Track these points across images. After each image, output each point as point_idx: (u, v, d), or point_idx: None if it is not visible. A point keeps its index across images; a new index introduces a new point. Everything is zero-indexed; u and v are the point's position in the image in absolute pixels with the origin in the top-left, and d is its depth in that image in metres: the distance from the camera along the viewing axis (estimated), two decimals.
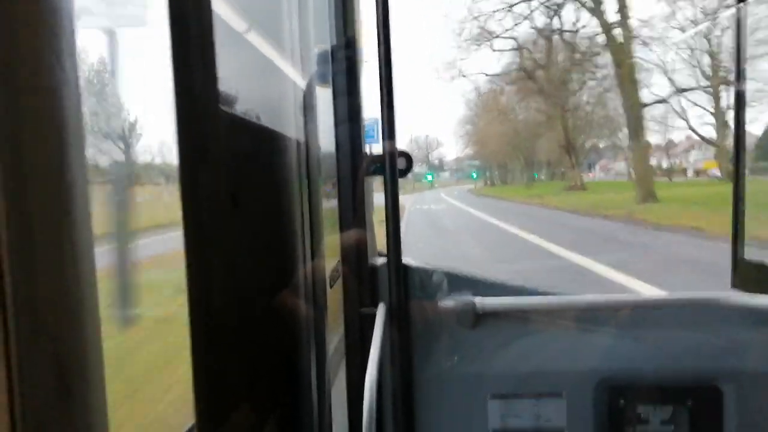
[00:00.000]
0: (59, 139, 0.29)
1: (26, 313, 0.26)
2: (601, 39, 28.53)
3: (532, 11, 30.83)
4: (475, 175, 65.17)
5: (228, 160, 0.71)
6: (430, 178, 67.66)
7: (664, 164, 47.15)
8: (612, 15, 26.67)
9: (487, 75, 45.48)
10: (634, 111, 25.09)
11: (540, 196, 31.85)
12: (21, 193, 0.26)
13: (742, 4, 1.60)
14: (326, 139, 1.42)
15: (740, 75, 1.62)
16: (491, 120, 51.33)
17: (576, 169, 38.63)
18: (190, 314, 0.55)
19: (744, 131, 1.61)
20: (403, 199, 1.49)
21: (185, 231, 0.54)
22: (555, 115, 37.74)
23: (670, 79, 30.20)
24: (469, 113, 62.88)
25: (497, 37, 31.98)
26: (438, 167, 77.22)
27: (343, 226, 1.48)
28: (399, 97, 1.42)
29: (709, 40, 27.71)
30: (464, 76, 40.77)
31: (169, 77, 0.53)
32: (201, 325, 0.57)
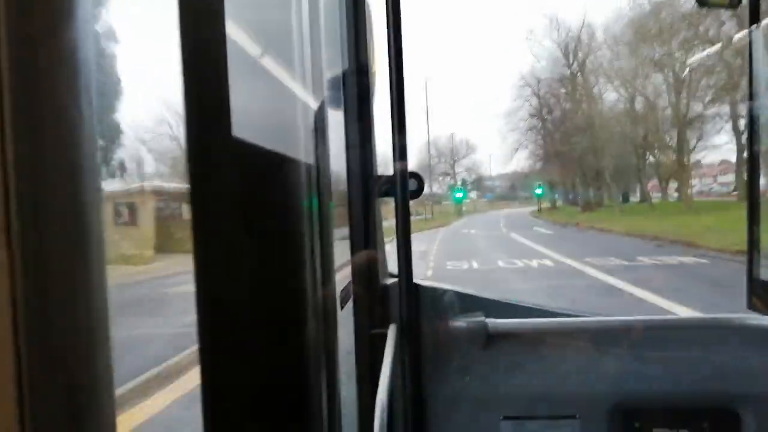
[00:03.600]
0: (73, 130, 0.29)
1: (35, 306, 0.27)
2: None
3: None
4: (540, 192, 45.85)
5: (239, 183, 0.73)
6: (459, 197, 46.81)
7: None
8: None
9: None
10: None
11: None
12: (31, 187, 0.27)
13: (755, 26, 1.61)
14: (338, 161, 1.44)
15: (753, 95, 1.61)
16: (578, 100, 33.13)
17: None
18: (200, 332, 0.56)
19: (758, 152, 1.59)
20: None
21: (195, 252, 0.55)
22: None
23: None
24: (526, 91, 42.76)
25: None
26: (471, 183, 54.86)
27: (354, 247, 1.49)
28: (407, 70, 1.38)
29: None
30: None
31: (180, 99, 0.54)
32: (211, 343, 0.58)
